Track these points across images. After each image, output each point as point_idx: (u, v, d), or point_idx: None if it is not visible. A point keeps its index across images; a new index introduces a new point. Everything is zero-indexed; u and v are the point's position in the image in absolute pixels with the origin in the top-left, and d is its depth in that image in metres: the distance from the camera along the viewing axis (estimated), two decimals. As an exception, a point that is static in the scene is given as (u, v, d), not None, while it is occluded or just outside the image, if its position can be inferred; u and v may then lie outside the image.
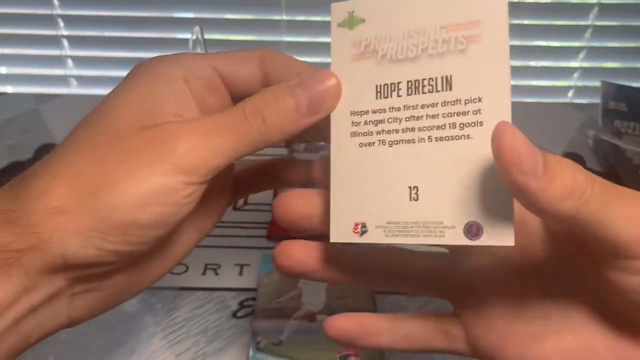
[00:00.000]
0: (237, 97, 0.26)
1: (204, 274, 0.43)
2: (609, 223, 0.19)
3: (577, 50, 0.87)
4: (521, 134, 0.18)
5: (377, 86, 0.23)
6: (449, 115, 0.21)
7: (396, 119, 0.22)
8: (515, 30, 0.85)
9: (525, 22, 0.84)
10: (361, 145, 0.23)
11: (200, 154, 0.21)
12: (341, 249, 0.25)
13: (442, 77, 0.21)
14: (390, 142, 0.22)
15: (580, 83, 0.90)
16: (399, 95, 0.22)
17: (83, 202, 0.20)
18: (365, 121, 0.23)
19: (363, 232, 0.22)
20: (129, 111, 0.22)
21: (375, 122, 0.23)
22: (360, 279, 0.26)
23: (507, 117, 0.20)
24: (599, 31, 0.85)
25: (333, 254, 0.25)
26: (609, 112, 0.62)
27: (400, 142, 0.22)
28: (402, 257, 0.26)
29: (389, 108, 0.22)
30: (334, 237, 0.23)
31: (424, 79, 0.22)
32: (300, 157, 0.54)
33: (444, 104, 0.21)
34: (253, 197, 0.51)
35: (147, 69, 0.24)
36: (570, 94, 0.92)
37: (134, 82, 0.24)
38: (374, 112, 0.23)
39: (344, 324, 0.25)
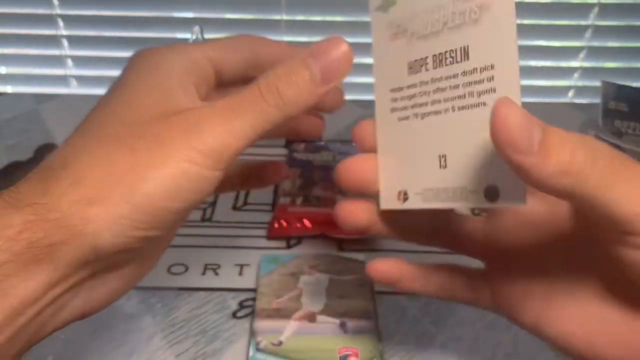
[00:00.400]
0: (223, 84, 0.27)
1: (203, 274, 0.43)
2: (610, 199, 0.19)
3: (578, 50, 0.87)
4: (518, 109, 0.18)
5: (408, 63, 0.24)
6: (468, 84, 0.22)
7: (425, 92, 0.24)
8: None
9: (525, 22, 0.84)
10: (399, 119, 0.25)
11: (224, 139, 0.22)
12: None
13: (460, 48, 0.22)
14: (422, 115, 0.24)
15: (580, 83, 0.90)
16: (426, 70, 0.23)
17: (116, 192, 0.20)
18: (401, 97, 0.24)
19: (405, 199, 0.25)
20: (146, 101, 0.23)
21: (409, 97, 0.24)
22: (409, 236, 0.29)
23: (516, 82, 0.21)
24: (599, 31, 0.85)
25: (386, 213, 0.27)
26: (609, 112, 0.62)
27: (430, 114, 0.23)
28: (446, 217, 0.28)
29: (419, 83, 0.24)
30: (383, 205, 0.26)
31: (445, 52, 0.23)
32: (299, 157, 0.54)
33: (463, 74, 0.22)
34: (253, 197, 0.51)
35: (148, 60, 0.24)
36: (570, 94, 0.92)
37: (138, 74, 0.24)
38: (408, 87, 0.24)
39: (385, 268, 0.29)
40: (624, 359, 0.23)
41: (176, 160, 0.21)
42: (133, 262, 0.24)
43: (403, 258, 0.28)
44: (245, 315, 0.39)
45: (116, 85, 0.24)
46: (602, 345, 0.23)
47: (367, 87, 0.86)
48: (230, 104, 0.22)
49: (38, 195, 0.20)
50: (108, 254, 0.21)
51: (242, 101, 0.22)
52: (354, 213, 0.28)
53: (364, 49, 0.93)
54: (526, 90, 0.89)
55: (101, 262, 0.21)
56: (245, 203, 0.51)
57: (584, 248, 0.24)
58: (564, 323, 0.24)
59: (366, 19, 0.79)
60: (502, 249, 0.27)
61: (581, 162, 0.19)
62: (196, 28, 0.59)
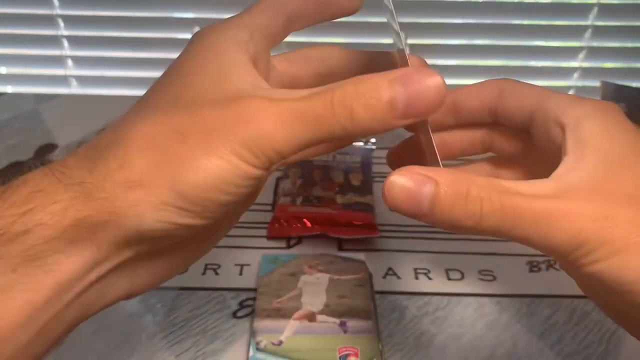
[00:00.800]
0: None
1: (204, 274, 0.43)
2: (524, 240, 0.20)
3: (577, 50, 0.87)
4: (402, 182, 0.21)
5: None
6: None
7: None
8: (515, 30, 0.85)
9: (525, 22, 0.84)
10: None
11: (277, 144, 0.21)
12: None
13: None
14: None
15: (580, 83, 0.90)
16: None
17: (162, 178, 0.20)
18: None
19: None
20: (201, 82, 0.22)
21: None
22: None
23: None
24: (598, 31, 0.85)
25: None
26: (609, 112, 0.62)
27: None
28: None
29: None
30: None
31: None
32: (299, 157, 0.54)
33: None
34: (253, 197, 0.51)
35: (205, 39, 0.24)
36: (570, 93, 0.92)
37: (195, 53, 0.23)
38: None
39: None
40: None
41: (224, 153, 0.20)
42: (179, 248, 0.24)
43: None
44: (246, 315, 0.39)
45: (173, 65, 0.23)
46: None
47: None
48: (296, 108, 0.21)
49: (84, 173, 0.20)
50: (151, 238, 0.21)
51: (311, 109, 0.21)
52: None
53: (364, 49, 0.93)
54: (526, 90, 0.89)
55: (144, 245, 0.21)
56: (246, 203, 0.51)
57: None
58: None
59: (366, 19, 0.79)
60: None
61: (468, 216, 0.20)
62: (196, 28, 0.59)
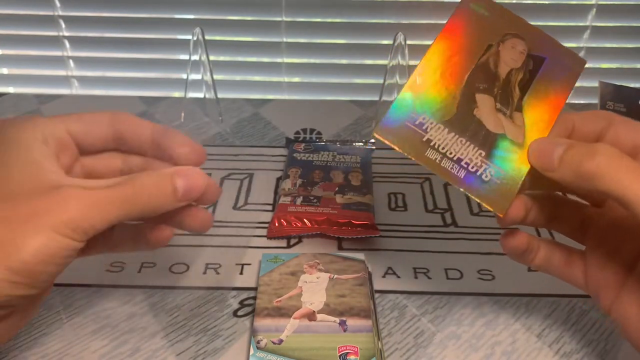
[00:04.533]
0: (86, 152, 0.32)
1: (204, 273, 0.43)
2: (628, 199, 0.24)
3: (576, 50, 0.87)
4: (542, 140, 0.29)
5: None
6: None
7: None
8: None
9: (525, 22, 0.84)
10: None
11: (93, 222, 0.26)
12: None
13: None
14: None
15: (578, 83, 0.90)
16: None
17: None
18: None
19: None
20: (18, 177, 0.26)
21: None
22: (539, 221, 0.33)
23: None
24: (597, 32, 0.85)
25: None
26: (608, 112, 0.62)
27: None
28: (567, 207, 0.34)
29: None
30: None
31: None
32: (299, 157, 0.55)
33: None
34: (253, 197, 0.52)
35: (12, 134, 0.28)
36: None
37: (6, 148, 0.27)
38: None
39: (516, 243, 0.32)
40: None
41: (49, 232, 0.25)
42: (14, 314, 0.28)
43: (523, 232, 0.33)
44: (246, 314, 0.40)
45: None
46: None
47: (367, 87, 0.86)
48: (108, 195, 0.27)
49: None
50: None
51: (117, 195, 0.27)
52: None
53: (364, 49, 0.93)
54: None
55: None
56: (246, 203, 0.51)
57: None
58: (626, 315, 0.30)
59: (366, 19, 0.79)
60: (604, 237, 0.32)
61: (592, 169, 0.25)
62: (197, 29, 0.59)
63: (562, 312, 0.40)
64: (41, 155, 0.27)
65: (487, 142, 0.30)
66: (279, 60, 0.85)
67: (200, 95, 0.63)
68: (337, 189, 0.50)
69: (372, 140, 0.58)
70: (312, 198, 0.49)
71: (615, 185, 0.25)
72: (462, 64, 0.31)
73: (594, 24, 0.84)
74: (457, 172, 0.29)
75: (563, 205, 0.33)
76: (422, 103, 0.30)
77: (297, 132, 0.62)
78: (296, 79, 0.89)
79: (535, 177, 0.30)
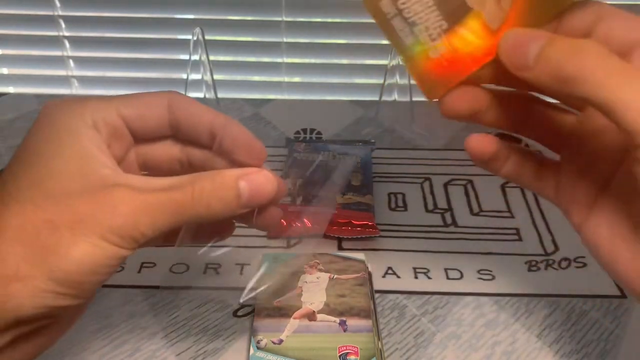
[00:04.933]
0: (140, 139, 0.28)
1: (204, 273, 0.43)
2: (613, 107, 0.20)
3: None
4: (516, 31, 0.23)
5: None
6: None
7: None
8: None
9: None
10: None
11: (144, 230, 0.23)
12: (494, 95, 0.27)
13: None
14: None
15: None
16: None
17: (38, 268, 0.22)
18: None
19: None
20: (66, 171, 0.23)
21: None
22: (502, 122, 0.28)
23: None
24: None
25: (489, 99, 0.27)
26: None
27: None
28: (539, 109, 0.29)
29: None
30: None
31: None
32: (300, 157, 0.55)
33: None
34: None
35: (62, 121, 0.25)
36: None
37: (52, 136, 0.24)
38: None
39: (484, 145, 0.28)
40: (633, 281, 0.25)
41: (94, 240, 0.22)
42: (56, 323, 0.25)
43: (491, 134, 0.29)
44: (246, 314, 0.40)
45: (28, 145, 0.24)
46: (619, 268, 0.25)
47: (367, 87, 0.86)
48: (159, 198, 0.24)
49: None
50: (30, 322, 0.23)
51: (171, 201, 0.24)
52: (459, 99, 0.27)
53: (364, 49, 0.93)
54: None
55: (24, 328, 0.23)
56: (246, 203, 0.51)
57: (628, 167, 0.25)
58: (596, 234, 0.27)
59: (366, 19, 0.79)
60: (582, 149, 0.27)
61: (575, 70, 0.21)
62: (197, 29, 0.59)
63: (562, 312, 0.40)
64: (91, 143, 0.24)
65: (456, 14, 0.24)
66: (279, 60, 0.85)
67: (200, 95, 0.63)
68: (337, 189, 0.50)
69: (372, 140, 0.58)
70: (312, 198, 0.49)
71: (599, 90, 0.21)
72: None
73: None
74: (405, 37, 0.25)
75: (534, 107, 0.29)
76: None
77: (297, 132, 0.62)
78: (296, 79, 0.89)
79: (502, 73, 0.25)
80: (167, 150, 0.29)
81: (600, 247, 0.26)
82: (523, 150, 0.29)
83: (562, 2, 0.24)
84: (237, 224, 0.31)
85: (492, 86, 0.27)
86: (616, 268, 0.26)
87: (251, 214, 0.28)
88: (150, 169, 0.29)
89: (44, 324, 0.24)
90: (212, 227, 0.30)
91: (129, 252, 0.24)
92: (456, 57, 0.25)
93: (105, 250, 0.23)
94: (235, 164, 0.27)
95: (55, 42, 0.86)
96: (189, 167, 0.29)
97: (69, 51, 0.87)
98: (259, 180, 0.26)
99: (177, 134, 0.28)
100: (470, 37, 0.24)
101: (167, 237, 0.28)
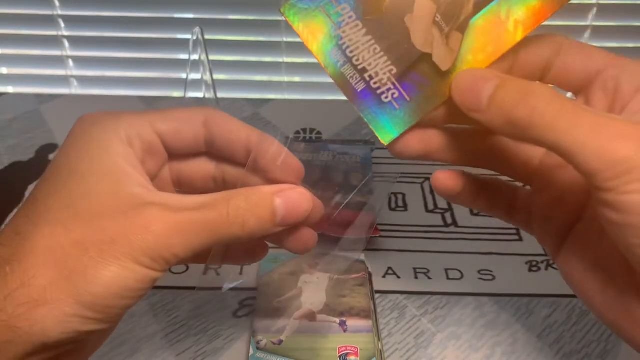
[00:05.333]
0: (174, 155, 0.27)
1: (204, 273, 0.43)
2: (571, 146, 0.20)
3: (577, 50, 0.87)
4: (469, 73, 0.23)
5: None
6: None
7: None
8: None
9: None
10: None
11: (177, 251, 0.22)
12: (452, 134, 0.27)
13: None
14: None
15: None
16: None
17: (65, 291, 0.21)
18: None
19: None
20: (97, 189, 0.22)
21: None
22: (466, 160, 0.28)
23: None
24: (597, 32, 0.85)
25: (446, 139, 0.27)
26: (608, 112, 0.62)
27: None
28: (502, 143, 0.27)
29: None
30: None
31: None
32: (300, 157, 0.55)
33: None
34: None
35: (95, 135, 0.24)
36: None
37: (83, 153, 0.23)
38: None
39: (449, 182, 0.27)
40: (604, 315, 0.24)
41: (124, 262, 0.21)
42: (81, 348, 0.25)
43: (461, 171, 0.28)
44: (246, 315, 0.40)
45: (60, 162, 0.23)
46: (591, 299, 0.25)
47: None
48: (193, 218, 0.22)
49: None
50: (56, 347, 0.22)
51: (206, 220, 0.23)
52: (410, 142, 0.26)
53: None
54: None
55: (48, 353, 0.22)
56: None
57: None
58: (568, 266, 0.26)
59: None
60: (552, 182, 0.27)
61: (526, 115, 0.21)
62: (196, 29, 0.59)
63: (562, 313, 0.40)
64: (124, 160, 0.23)
65: (405, 59, 0.24)
66: (279, 60, 0.85)
67: (200, 95, 0.63)
68: (337, 189, 0.50)
69: (373, 140, 0.58)
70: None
71: (550, 134, 0.20)
72: None
73: (594, 23, 0.84)
74: (356, 84, 0.25)
75: (498, 142, 0.27)
76: None
77: (297, 132, 0.61)
78: (296, 79, 0.89)
79: (456, 113, 0.24)
80: (202, 167, 0.28)
81: (572, 279, 0.26)
82: (494, 182, 0.28)
83: (511, 40, 0.24)
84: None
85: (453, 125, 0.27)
86: (588, 299, 0.25)
87: (284, 234, 0.26)
88: (184, 185, 0.28)
89: (69, 349, 0.23)
90: (245, 249, 0.29)
91: (159, 275, 0.23)
92: (408, 101, 0.24)
93: (136, 273, 0.22)
94: (271, 181, 0.27)
95: (55, 41, 0.86)
96: (223, 185, 0.28)
97: (68, 51, 0.87)
98: (294, 197, 0.25)
99: (212, 150, 0.27)
100: (421, 80, 0.24)
101: (195, 258, 0.27)
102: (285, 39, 0.82)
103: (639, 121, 0.20)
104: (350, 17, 0.24)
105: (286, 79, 0.88)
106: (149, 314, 0.39)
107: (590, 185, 0.20)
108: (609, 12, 0.84)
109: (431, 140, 0.26)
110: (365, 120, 0.25)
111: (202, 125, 0.26)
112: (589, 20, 0.84)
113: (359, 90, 0.25)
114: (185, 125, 0.26)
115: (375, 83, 0.24)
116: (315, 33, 0.24)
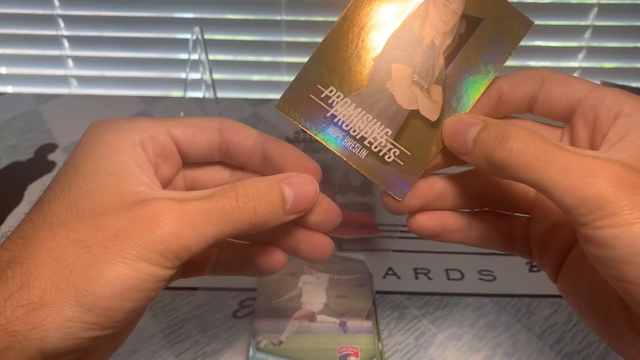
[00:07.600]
0: (189, 162, 0.27)
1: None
2: (548, 184, 0.21)
3: (577, 50, 0.87)
4: (455, 120, 0.25)
5: None
6: None
7: None
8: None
9: (525, 22, 0.84)
10: None
11: (187, 243, 0.21)
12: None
13: None
14: None
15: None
16: None
17: (65, 293, 0.20)
18: None
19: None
20: (101, 188, 0.22)
21: None
22: (469, 203, 0.28)
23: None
24: (598, 31, 0.85)
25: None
26: (609, 112, 0.62)
27: None
28: (498, 182, 0.28)
29: None
30: None
31: None
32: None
33: None
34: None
35: (101, 138, 0.23)
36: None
37: (91, 154, 0.23)
38: None
39: (428, 223, 0.27)
40: (600, 334, 0.25)
41: (129, 259, 0.20)
42: (87, 355, 0.23)
43: (446, 211, 0.28)
44: (246, 315, 0.40)
45: (70, 166, 0.23)
46: (586, 318, 0.26)
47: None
48: (205, 207, 0.22)
49: None
50: (56, 355, 0.20)
51: (217, 207, 0.22)
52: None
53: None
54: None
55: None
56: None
57: None
58: (565, 290, 0.27)
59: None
60: (548, 212, 0.27)
61: (504, 157, 0.22)
62: (196, 28, 0.59)
63: (563, 313, 0.40)
64: (133, 160, 0.23)
65: (396, 119, 0.26)
66: (279, 59, 0.85)
67: (200, 94, 0.63)
68: (337, 189, 0.50)
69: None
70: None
71: (528, 173, 0.21)
72: (383, 25, 0.26)
73: (595, 23, 0.84)
74: (359, 152, 0.27)
75: (497, 179, 0.28)
76: (330, 72, 0.26)
77: (297, 132, 0.61)
78: (296, 79, 0.89)
79: (453, 156, 0.26)
80: (216, 174, 0.28)
81: (570, 300, 0.27)
82: (487, 216, 0.28)
83: (485, 79, 0.26)
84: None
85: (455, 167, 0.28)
86: (585, 319, 0.26)
87: (300, 239, 0.27)
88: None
89: (73, 358, 0.21)
90: (263, 257, 0.28)
91: (168, 273, 0.21)
92: (410, 156, 0.26)
93: (141, 271, 0.20)
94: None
95: (54, 41, 0.86)
96: None
97: (67, 50, 0.87)
98: (300, 182, 0.25)
99: (226, 158, 0.27)
100: (416, 134, 0.26)
101: (209, 267, 0.28)
102: (285, 39, 0.82)
103: (610, 157, 0.21)
104: (338, 97, 0.26)
105: (286, 78, 0.88)
106: (149, 314, 0.39)
107: (570, 220, 0.21)
108: (610, 12, 0.84)
109: (434, 188, 0.27)
110: (375, 182, 0.26)
111: (217, 131, 0.26)
112: (590, 20, 0.84)
113: (362, 157, 0.27)
114: (200, 131, 0.26)
115: (375, 147, 0.26)
116: (312, 118, 0.26)
